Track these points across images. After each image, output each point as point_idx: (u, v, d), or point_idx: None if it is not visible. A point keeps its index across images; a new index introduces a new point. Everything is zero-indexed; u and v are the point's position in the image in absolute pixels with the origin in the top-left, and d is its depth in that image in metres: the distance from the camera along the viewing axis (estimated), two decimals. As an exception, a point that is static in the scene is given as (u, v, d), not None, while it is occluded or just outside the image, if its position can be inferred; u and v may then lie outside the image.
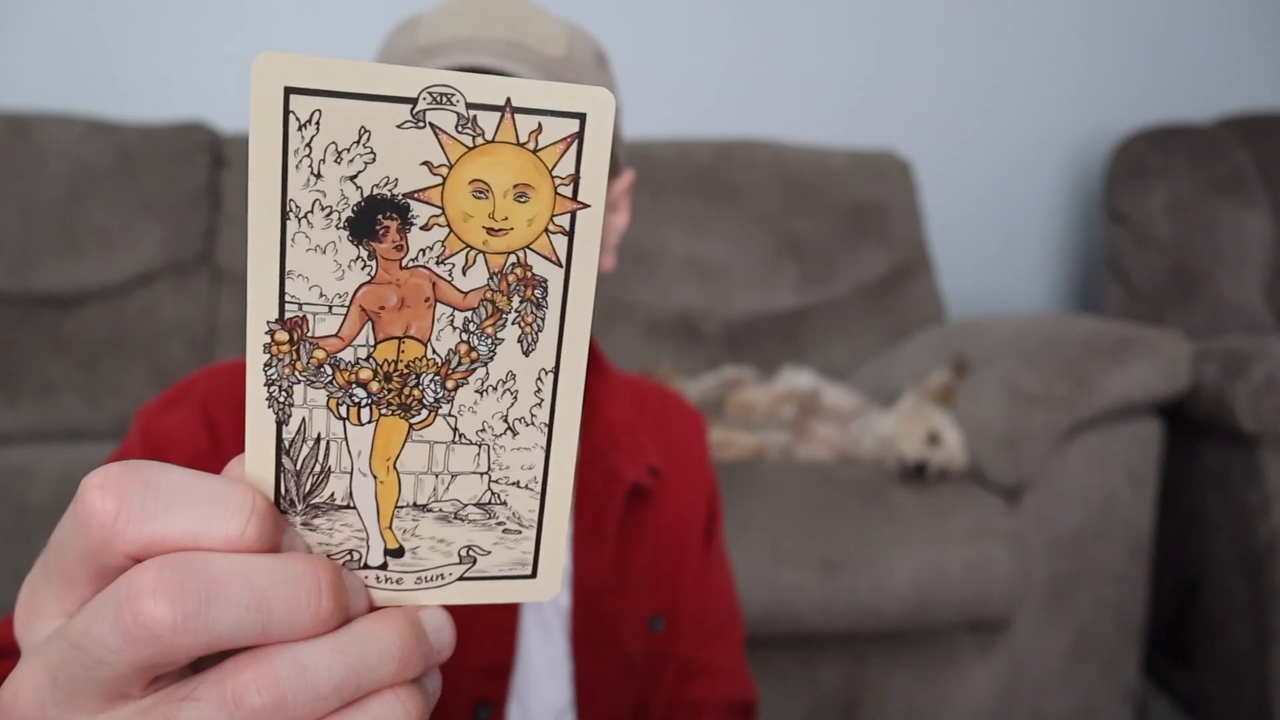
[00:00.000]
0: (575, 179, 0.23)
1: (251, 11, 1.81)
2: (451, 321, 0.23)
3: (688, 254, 1.77)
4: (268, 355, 0.22)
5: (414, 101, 0.21)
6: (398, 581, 0.25)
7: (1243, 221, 1.80)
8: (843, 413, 1.44)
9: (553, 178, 0.22)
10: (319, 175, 0.21)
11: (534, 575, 0.26)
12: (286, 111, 0.21)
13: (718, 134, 1.89)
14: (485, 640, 0.57)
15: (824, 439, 1.41)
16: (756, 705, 0.69)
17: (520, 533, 0.25)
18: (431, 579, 0.25)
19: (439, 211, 0.22)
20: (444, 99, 0.21)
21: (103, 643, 0.20)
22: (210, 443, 0.53)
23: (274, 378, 0.22)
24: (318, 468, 0.23)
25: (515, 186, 0.22)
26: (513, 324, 0.23)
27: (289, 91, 0.21)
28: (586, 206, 0.23)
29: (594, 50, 0.58)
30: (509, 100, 0.22)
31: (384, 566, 0.25)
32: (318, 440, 0.23)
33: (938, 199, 2.03)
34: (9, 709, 0.21)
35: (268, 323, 0.22)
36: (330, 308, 0.22)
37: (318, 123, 0.21)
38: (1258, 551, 1.32)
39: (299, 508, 0.24)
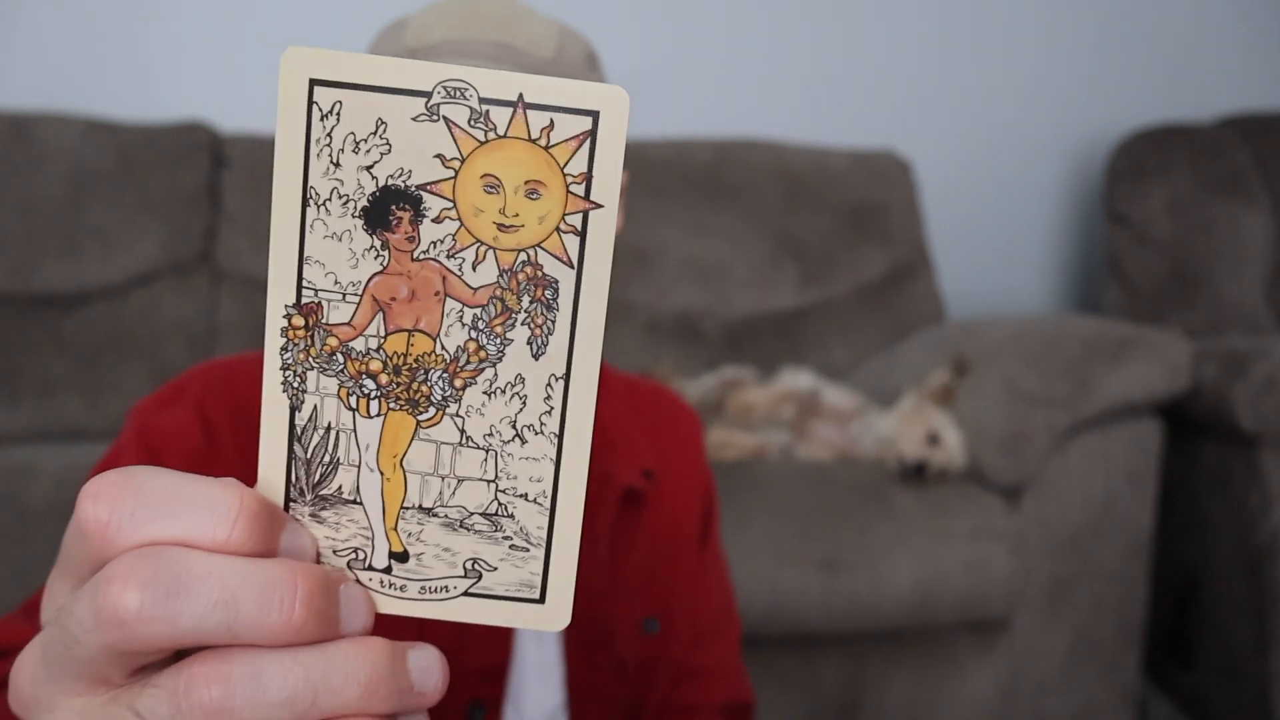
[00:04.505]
0: (588, 178, 0.22)
1: (251, 12, 1.81)
2: (461, 318, 0.23)
3: (688, 254, 1.77)
4: (284, 339, 0.23)
5: (429, 95, 0.22)
6: (401, 589, 0.25)
7: (1243, 221, 1.80)
8: (843, 413, 1.44)
9: (564, 175, 0.22)
10: (338, 164, 0.22)
11: (542, 600, 0.25)
12: (310, 102, 0.21)
13: (718, 134, 1.89)
14: (481, 640, 0.57)
15: (824, 439, 1.41)
16: (753, 706, 0.69)
17: (528, 551, 0.25)
18: (436, 590, 0.25)
19: (450, 205, 0.22)
20: (458, 93, 0.22)
21: (80, 623, 0.20)
22: (206, 440, 0.53)
23: (289, 362, 0.23)
24: (327, 458, 0.24)
25: (526, 183, 0.22)
26: (522, 324, 0.23)
27: (313, 83, 0.21)
28: (599, 206, 0.23)
29: (585, 50, 0.57)
30: (521, 96, 0.22)
31: (388, 570, 0.25)
32: (328, 430, 0.23)
33: (938, 199, 2.02)
34: (14, 682, 0.23)
35: (285, 307, 0.23)
36: (344, 295, 0.23)
37: (338, 114, 0.22)
38: (1258, 551, 1.31)
39: (308, 497, 0.24)
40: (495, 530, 0.25)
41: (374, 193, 0.22)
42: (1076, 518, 1.28)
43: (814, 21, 2.01)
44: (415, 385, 0.23)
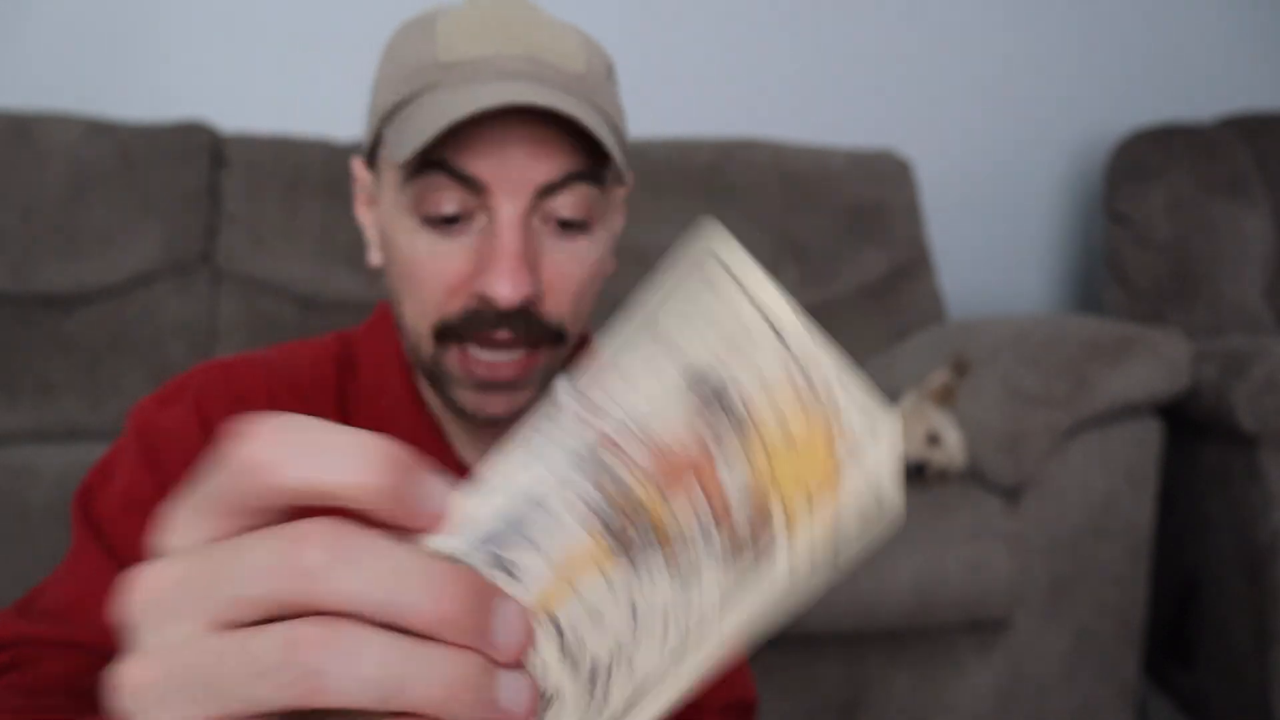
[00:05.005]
0: (859, 492, 0.24)
1: (252, 12, 1.81)
2: (696, 509, 0.24)
3: (688, 254, 1.77)
4: (579, 425, 0.24)
5: (786, 345, 0.24)
6: None
7: (1243, 221, 1.80)
8: (842, 413, 1.44)
9: (839, 489, 0.24)
10: (697, 335, 0.24)
11: None
12: (719, 263, 0.24)
13: (718, 134, 1.89)
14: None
15: (824, 439, 1.41)
16: (755, 705, 0.69)
17: (601, 713, 0.26)
18: None
19: (754, 429, 0.24)
20: (801, 369, 0.24)
21: (253, 565, 0.21)
22: (206, 441, 0.53)
23: (557, 437, 0.24)
24: (525, 532, 0.24)
25: (813, 483, 0.24)
26: (731, 554, 0.24)
27: (717, 261, 0.24)
28: (845, 526, 0.24)
29: (604, 61, 0.57)
30: (838, 401, 0.24)
31: None
32: (538, 505, 0.24)
33: (938, 199, 2.03)
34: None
35: (578, 391, 0.24)
36: (639, 433, 0.24)
37: (717, 296, 0.24)
38: (1258, 551, 1.31)
39: (482, 546, 0.24)
40: (592, 679, 0.25)
41: (707, 375, 0.24)
42: (1076, 518, 1.28)
43: (814, 21, 2.01)
44: (630, 531, 0.24)
